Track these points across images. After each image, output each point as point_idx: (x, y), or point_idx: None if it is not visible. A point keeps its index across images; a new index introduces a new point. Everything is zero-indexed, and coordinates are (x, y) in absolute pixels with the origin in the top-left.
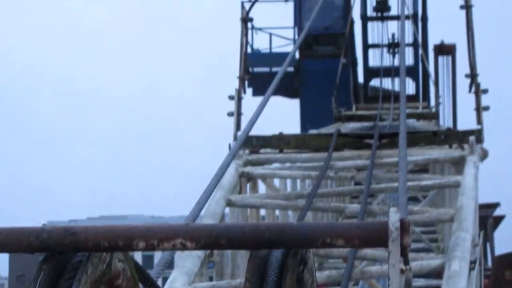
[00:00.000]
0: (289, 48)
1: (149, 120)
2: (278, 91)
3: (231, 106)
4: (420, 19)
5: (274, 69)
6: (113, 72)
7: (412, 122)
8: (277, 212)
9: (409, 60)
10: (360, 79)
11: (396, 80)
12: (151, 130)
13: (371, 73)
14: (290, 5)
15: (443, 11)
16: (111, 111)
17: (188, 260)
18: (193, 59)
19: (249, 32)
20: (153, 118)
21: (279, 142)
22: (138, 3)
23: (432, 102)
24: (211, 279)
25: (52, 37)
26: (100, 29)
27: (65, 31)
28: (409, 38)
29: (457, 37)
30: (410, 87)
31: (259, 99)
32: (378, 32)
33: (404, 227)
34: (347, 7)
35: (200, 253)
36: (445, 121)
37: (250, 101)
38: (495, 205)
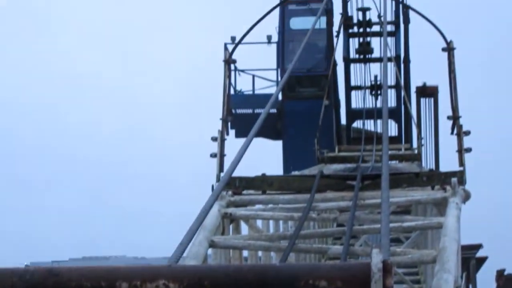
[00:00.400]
0: (272, 90)
1: (132, 161)
2: (261, 133)
3: (214, 147)
4: (402, 61)
5: (257, 110)
6: (95, 113)
7: (394, 163)
8: (260, 253)
9: (392, 102)
10: (343, 120)
11: (379, 121)
12: (133, 171)
13: (353, 114)
14: (273, 47)
15: (426, 53)
16: (94, 152)
17: None
18: (176, 99)
19: (232, 73)
20: (135, 159)
21: (262, 183)
22: (121, 45)
23: (415, 143)
24: None
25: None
26: (87, 68)
27: (46, 70)
28: (391, 80)
29: (439, 79)
30: (393, 129)
31: (242, 141)
32: (361, 74)
33: (386, 268)
34: (330, 49)
35: None
36: (428, 163)
37: (233, 143)
38: (478, 247)
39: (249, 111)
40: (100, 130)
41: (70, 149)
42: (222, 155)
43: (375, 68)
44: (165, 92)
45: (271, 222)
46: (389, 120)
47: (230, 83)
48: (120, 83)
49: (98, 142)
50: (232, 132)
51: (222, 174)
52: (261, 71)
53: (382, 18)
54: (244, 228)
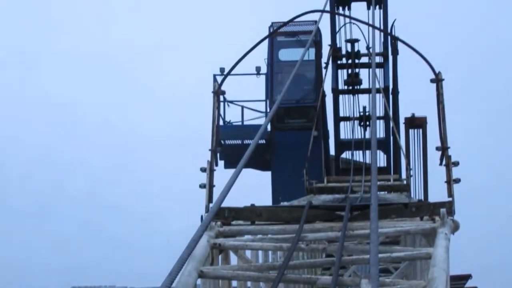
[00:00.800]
0: (261, 121)
1: (121, 189)
2: (250, 164)
3: (203, 178)
4: (391, 92)
5: (246, 141)
6: (85, 146)
7: (383, 194)
8: (249, 283)
9: (380, 133)
10: (332, 151)
11: (367, 152)
12: (122, 200)
13: (342, 145)
14: (262, 78)
15: (414, 84)
16: (84, 183)
17: None
18: (165, 130)
19: (222, 104)
20: (124, 188)
21: (251, 214)
22: (109, 77)
23: (403, 174)
24: None
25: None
26: (74, 101)
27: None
28: (380, 111)
29: (428, 110)
30: (382, 160)
31: (231, 172)
32: (350, 105)
33: None
34: (319, 81)
35: None
36: (417, 194)
37: (222, 173)
38: (467, 277)
39: (238, 142)
40: (90, 162)
41: (59, 179)
42: (211, 185)
43: (363, 99)
44: (154, 123)
45: (260, 252)
46: (378, 151)
47: (219, 114)
48: (108, 114)
49: (87, 173)
50: (221, 163)
51: (211, 205)
52: (250, 102)
53: (370, 50)
54: (234, 259)
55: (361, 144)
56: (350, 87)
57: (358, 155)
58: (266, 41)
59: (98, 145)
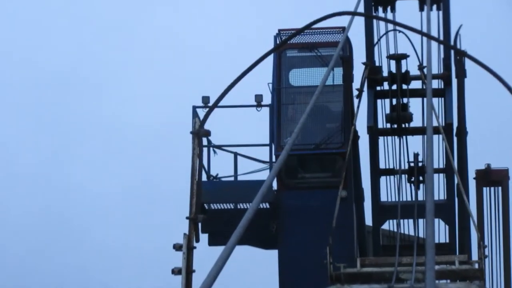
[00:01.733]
0: (263, 175)
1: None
2: (246, 239)
3: (178, 260)
4: (455, 133)
5: (241, 205)
6: (15, 197)
7: (445, 283)
8: None
9: (440, 193)
10: (368, 220)
11: (421, 222)
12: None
13: (384, 212)
14: (265, 113)
15: (490, 121)
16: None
17: None
18: (120, 187)
19: (205, 150)
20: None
21: None
22: (43, 111)
23: (475, 254)
24: None
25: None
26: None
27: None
28: (439, 161)
29: (509, 159)
30: (442, 233)
31: (218, 250)
32: (394, 152)
33: None
34: (348, 115)
35: None
36: (495, 282)
37: (206, 253)
38: None
39: (229, 206)
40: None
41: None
42: (189, 271)
43: (415, 142)
44: (103, 176)
45: None
46: (437, 220)
47: (201, 165)
48: (41, 160)
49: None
50: (204, 237)
51: None
52: (246, 147)
53: (425, 70)
54: None
55: (412, 210)
56: (395, 126)
57: (407, 226)
58: (271, 58)
59: (30, 197)
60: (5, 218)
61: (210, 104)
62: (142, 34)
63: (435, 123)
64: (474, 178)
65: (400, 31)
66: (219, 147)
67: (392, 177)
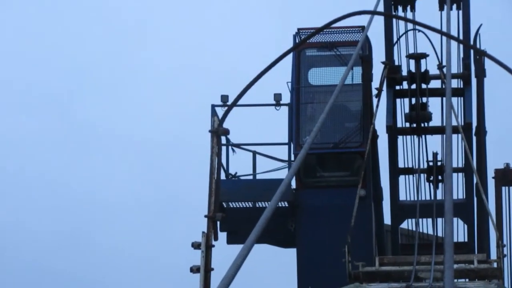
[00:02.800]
0: (282, 174)
1: (76, 265)
2: (265, 237)
3: (197, 258)
4: (474, 133)
5: (259, 204)
6: (23, 207)
7: (463, 283)
8: None
9: (459, 192)
10: (387, 219)
11: (440, 221)
12: (78, 276)
13: (402, 211)
14: (284, 112)
15: (508, 120)
16: (26, 254)
17: None
18: (138, 188)
19: (223, 149)
20: (80, 264)
21: None
22: (50, 113)
23: (493, 253)
24: None
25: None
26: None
27: None
28: (458, 161)
29: None
30: (461, 232)
31: (236, 249)
32: (413, 151)
33: None
34: (367, 115)
35: None
36: None
37: (224, 251)
38: None
39: (248, 204)
40: (33, 229)
41: None
42: (207, 269)
43: (434, 142)
44: (121, 178)
45: None
46: (455, 219)
47: (220, 164)
48: (51, 167)
49: (30, 242)
50: (222, 235)
51: None
52: (265, 146)
53: (444, 70)
54: None
55: (430, 209)
56: (414, 125)
57: (426, 225)
58: (290, 57)
59: (41, 208)
60: (17, 225)
61: (229, 103)
62: (161, 32)
63: (454, 123)
64: (493, 178)
65: (419, 31)
66: (238, 145)
67: (411, 176)
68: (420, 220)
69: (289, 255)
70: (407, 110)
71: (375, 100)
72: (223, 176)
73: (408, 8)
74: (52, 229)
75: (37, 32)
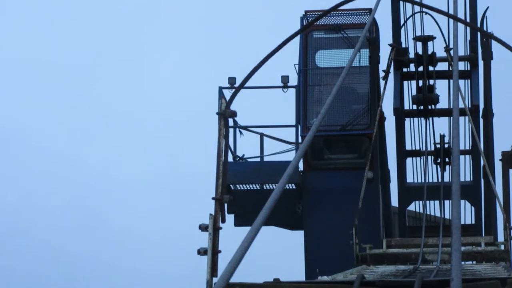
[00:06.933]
0: (290, 156)
1: (90, 247)
2: (272, 220)
3: (204, 240)
4: (481, 115)
5: (267, 186)
6: (35, 191)
7: (470, 265)
8: None
9: (466, 174)
10: (394, 201)
11: (447, 203)
12: (92, 260)
13: (409, 193)
14: (291, 94)
15: None
16: (39, 235)
17: None
18: (148, 171)
19: (231, 132)
20: (94, 246)
21: None
22: (65, 95)
23: (501, 235)
24: None
25: None
26: (19, 131)
27: None
28: (465, 143)
29: None
30: (468, 214)
31: (244, 231)
32: (421, 133)
33: None
34: (375, 97)
35: None
36: None
37: (231, 233)
38: None
39: (255, 187)
40: (45, 211)
41: (7, 232)
42: (215, 252)
43: (441, 124)
44: (132, 160)
45: None
46: (463, 201)
47: (227, 146)
48: (64, 148)
49: (44, 225)
50: (230, 217)
51: (215, 280)
52: (272, 128)
53: (451, 52)
54: None
55: (438, 191)
56: (421, 107)
57: (433, 207)
58: (297, 39)
59: (53, 190)
60: (30, 205)
61: (236, 85)
62: (170, 16)
63: (461, 105)
64: (500, 160)
65: (426, 13)
66: (245, 128)
67: (418, 158)
68: (428, 202)
69: (297, 237)
70: (414, 93)
71: (382, 83)
72: (230, 158)
73: None
74: (64, 211)
75: (53, 20)
